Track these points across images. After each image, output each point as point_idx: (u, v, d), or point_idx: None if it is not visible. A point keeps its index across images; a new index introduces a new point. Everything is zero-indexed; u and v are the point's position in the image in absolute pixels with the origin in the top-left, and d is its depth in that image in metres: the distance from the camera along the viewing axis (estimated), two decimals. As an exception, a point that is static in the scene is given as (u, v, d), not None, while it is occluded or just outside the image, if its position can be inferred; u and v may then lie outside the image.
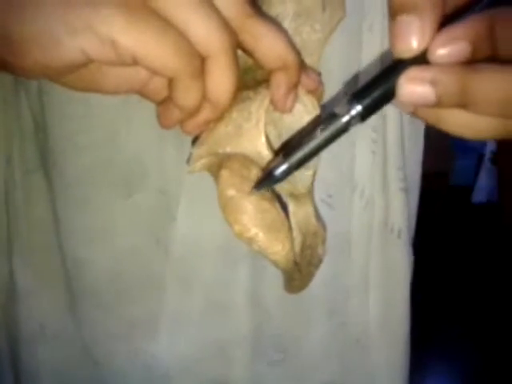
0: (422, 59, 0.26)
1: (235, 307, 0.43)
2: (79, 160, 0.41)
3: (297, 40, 0.34)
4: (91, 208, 0.42)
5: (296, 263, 0.33)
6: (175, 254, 0.42)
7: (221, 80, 0.29)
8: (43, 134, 0.41)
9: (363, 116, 0.28)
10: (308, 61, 0.35)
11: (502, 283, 2.09)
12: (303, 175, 0.34)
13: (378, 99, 0.27)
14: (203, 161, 0.33)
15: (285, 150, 0.31)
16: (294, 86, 0.32)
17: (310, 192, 0.35)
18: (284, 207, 0.33)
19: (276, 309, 0.45)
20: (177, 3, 0.27)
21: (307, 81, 0.33)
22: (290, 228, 0.33)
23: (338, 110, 0.28)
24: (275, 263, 0.32)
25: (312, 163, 0.33)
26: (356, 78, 0.41)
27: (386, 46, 0.41)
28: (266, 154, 0.32)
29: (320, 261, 0.37)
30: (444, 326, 1.98)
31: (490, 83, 0.25)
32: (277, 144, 0.34)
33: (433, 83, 0.25)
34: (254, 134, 0.32)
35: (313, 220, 0.35)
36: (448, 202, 2.54)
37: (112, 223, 0.42)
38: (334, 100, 0.39)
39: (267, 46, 0.30)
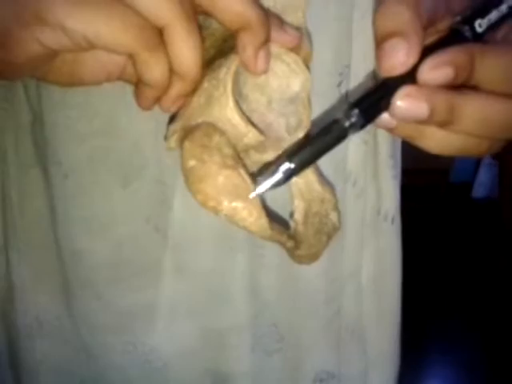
0: (408, 81, 0.28)
1: (233, 296, 0.44)
2: (78, 149, 0.40)
3: None
4: (90, 197, 0.42)
5: (294, 231, 0.32)
6: (172, 242, 0.42)
7: (182, 48, 0.28)
8: (40, 124, 0.41)
9: (361, 124, 0.29)
10: (292, 18, 0.33)
11: (502, 279, 2.09)
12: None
13: (373, 110, 0.29)
14: (175, 136, 0.31)
15: (287, 152, 0.30)
16: (262, 45, 0.30)
17: None
18: (253, 175, 0.31)
19: (273, 298, 0.45)
20: None
21: (285, 37, 0.31)
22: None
23: (338, 116, 0.29)
24: (247, 231, 0.30)
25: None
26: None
27: None
28: (237, 120, 0.30)
29: (335, 228, 0.35)
30: (443, 322, 1.98)
31: (475, 105, 0.28)
32: (269, 111, 0.33)
33: (427, 100, 0.28)
34: (223, 101, 0.30)
35: (317, 187, 0.34)
36: (448, 198, 2.54)
37: (111, 212, 0.42)
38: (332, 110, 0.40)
39: (224, 5, 0.28)
